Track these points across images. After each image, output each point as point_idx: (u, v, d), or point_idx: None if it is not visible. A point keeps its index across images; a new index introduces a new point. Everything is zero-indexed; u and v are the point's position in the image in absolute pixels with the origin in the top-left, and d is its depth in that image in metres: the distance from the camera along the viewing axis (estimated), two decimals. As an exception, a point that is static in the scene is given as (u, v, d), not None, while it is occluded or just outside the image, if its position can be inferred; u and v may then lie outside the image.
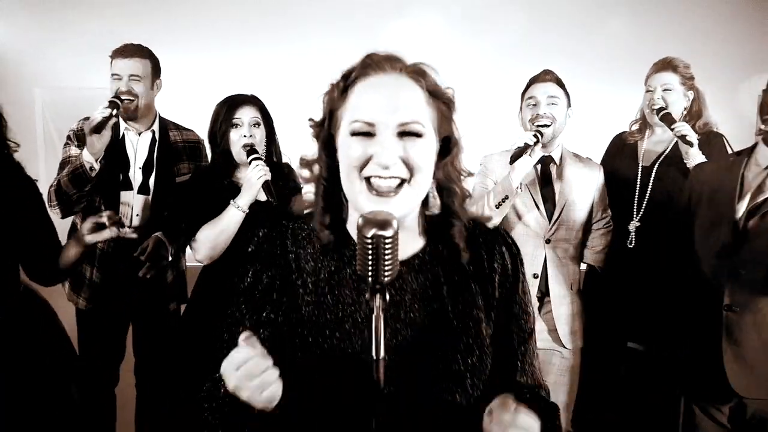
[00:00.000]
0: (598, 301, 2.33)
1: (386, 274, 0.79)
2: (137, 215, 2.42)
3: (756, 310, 1.69)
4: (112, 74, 2.37)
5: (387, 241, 0.79)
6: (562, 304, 2.20)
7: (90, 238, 1.84)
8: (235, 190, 2.06)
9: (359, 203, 0.93)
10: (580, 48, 4.17)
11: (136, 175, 2.42)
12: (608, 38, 4.15)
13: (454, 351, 0.96)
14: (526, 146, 2.08)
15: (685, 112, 2.36)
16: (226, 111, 2.09)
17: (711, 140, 2.31)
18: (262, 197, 2.05)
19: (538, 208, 2.22)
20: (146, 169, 2.43)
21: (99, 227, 1.85)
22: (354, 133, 0.93)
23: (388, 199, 0.92)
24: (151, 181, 2.43)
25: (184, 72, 4.56)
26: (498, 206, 2.09)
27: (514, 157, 2.08)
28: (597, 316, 2.30)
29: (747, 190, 1.75)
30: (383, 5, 4.43)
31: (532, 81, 2.25)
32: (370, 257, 0.79)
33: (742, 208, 1.74)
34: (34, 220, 1.86)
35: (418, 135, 0.93)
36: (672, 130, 2.23)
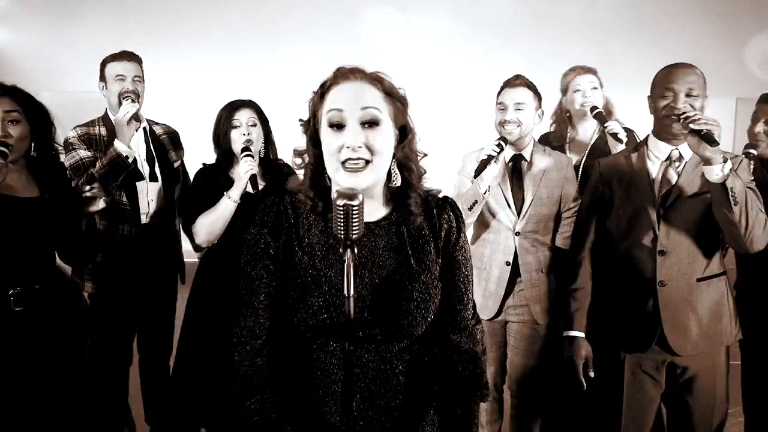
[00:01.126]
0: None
1: (354, 232, 1.06)
2: (152, 200, 2.68)
3: (682, 282, 2.00)
4: (116, 75, 2.61)
5: (354, 208, 1.05)
6: (534, 287, 2.42)
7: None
8: (232, 184, 2.33)
9: (338, 179, 1.22)
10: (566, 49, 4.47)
11: (143, 167, 2.68)
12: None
13: (413, 287, 1.26)
14: (489, 158, 2.28)
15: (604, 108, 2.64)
16: (227, 113, 2.37)
17: (628, 136, 2.56)
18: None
19: (509, 205, 2.43)
20: (149, 160, 2.70)
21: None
22: (330, 124, 1.22)
23: (357, 175, 1.20)
24: (156, 170, 2.71)
25: (183, 76, 4.81)
26: (470, 209, 2.32)
27: (479, 169, 2.28)
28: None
29: (654, 181, 2.05)
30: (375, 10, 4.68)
31: (504, 85, 2.44)
32: (341, 220, 1.06)
33: (655, 198, 2.04)
34: (70, 212, 2.13)
35: (376, 123, 1.21)
36: (605, 127, 2.48)
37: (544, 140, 2.78)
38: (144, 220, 2.65)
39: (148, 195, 2.67)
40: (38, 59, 4.85)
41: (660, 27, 4.69)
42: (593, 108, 2.56)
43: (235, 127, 2.36)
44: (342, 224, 1.05)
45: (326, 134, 1.23)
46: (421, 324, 1.27)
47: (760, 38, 4.69)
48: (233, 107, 2.38)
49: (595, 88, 2.63)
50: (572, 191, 2.46)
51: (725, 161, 1.81)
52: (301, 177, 1.33)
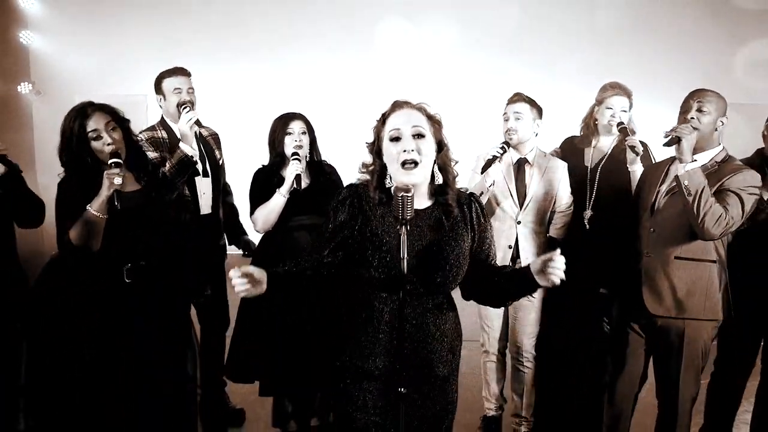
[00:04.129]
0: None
1: (408, 214, 1.59)
2: (204, 193, 3.14)
3: (662, 255, 2.47)
4: (174, 89, 3.07)
5: (408, 198, 1.59)
6: (530, 267, 2.97)
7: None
8: (283, 182, 2.79)
9: (397, 176, 1.74)
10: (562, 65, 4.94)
11: (198, 165, 3.06)
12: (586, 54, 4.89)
13: (449, 256, 1.77)
14: (494, 158, 2.89)
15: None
16: (282, 123, 2.85)
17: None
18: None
19: (512, 197, 2.98)
20: (201, 159, 3.10)
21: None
22: (391, 138, 1.75)
23: (411, 173, 1.71)
24: (207, 167, 3.17)
25: (213, 82, 5.12)
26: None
27: (485, 166, 2.88)
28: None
29: (668, 179, 2.54)
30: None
31: (507, 102, 3.02)
32: (400, 206, 1.59)
33: (662, 190, 2.54)
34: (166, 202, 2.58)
35: (422, 135, 1.74)
36: (625, 141, 2.90)
37: (569, 142, 3.23)
38: (202, 210, 3.12)
39: (201, 189, 3.16)
40: (72, 64, 5.08)
41: (660, 34, 4.98)
42: (619, 123, 2.94)
43: (289, 134, 2.83)
44: (400, 209, 1.58)
45: (388, 146, 1.75)
46: (452, 282, 1.80)
47: (748, 45, 5.06)
48: (288, 118, 2.85)
49: (625, 111, 2.98)
50: (565, 192, 3.01)
51: (692, 162, 2.31)
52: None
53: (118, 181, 2.26)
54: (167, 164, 2.92)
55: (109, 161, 2.29)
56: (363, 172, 1.85)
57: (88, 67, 5.05)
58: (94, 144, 2.34)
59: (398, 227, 1.60)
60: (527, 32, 5.05)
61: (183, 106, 2.99)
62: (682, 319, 2.45)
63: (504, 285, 1.80)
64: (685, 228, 2.40)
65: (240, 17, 5.10)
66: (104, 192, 2.27)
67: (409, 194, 1.58)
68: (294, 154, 2.80)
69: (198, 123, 3.03)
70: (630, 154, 2.85)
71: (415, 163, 1.71)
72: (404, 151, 1.70)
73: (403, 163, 1.70)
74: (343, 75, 5.06)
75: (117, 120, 2.40)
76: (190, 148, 2.92)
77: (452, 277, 1.78)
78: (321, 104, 4.24)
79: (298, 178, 2.74)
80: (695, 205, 2.29)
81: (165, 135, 3.12)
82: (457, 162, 1.84)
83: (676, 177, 2.36)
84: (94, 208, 2.27)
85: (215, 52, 4.97)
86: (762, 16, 5.00)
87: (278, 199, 2.76)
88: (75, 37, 5.10)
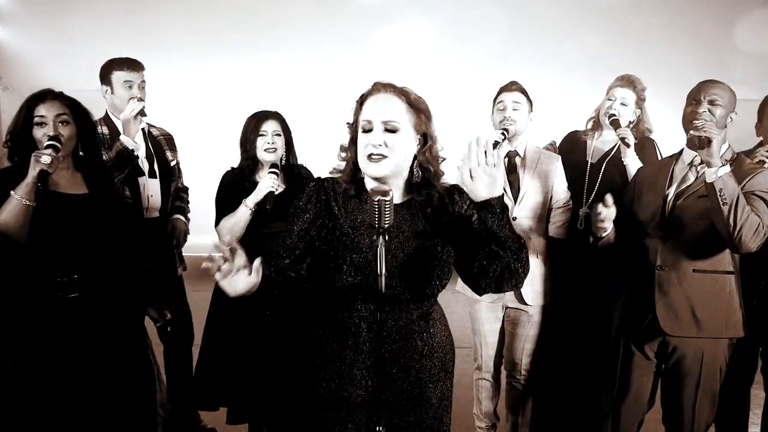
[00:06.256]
0: (561, 267, 2.78)
1: (386, 222, 1.32)
2: (151, 196, 2.89)
3: (678, 269, 2.21)
4: (124, 81, 2.83)
5: (387, 203, 1.32)
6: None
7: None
8: (254, 188, 2.51)
9: (363, 167, 1.54)
10: (552, 58, 4.74)
11: (143, 164, 2.85)
12: (575, 50, 4.69)
13: (433, 259, 1.57)
14: (496, 143, 2.60)
15: (631, 126, 2.84)
16: (255, 123, 2.58)
17: (645, 144, 2.83)
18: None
19: (505, 191, 2.70)
20: (148, 158, 2.90)
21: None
22: (363, 130, 1.54)
23: (377, 165, 1.51)
24: (155, 167, 2.92)
25: (185, 78, 4.95)
26: None
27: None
28: (559, 279, 2.75)
29: (675, 180, 2.28)
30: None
31: (501, 90, 2.76)
32: (376, 212, 1.31)
33: (671, 193, 2.27)
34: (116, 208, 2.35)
35: (394, 131, 1.52)
36: (617, 133, 2.73)
37: (572, 136, 3.04)
38: (145, 214, 2.86)
39: (148, 191, 2.88)
40: (40, 58, 4.95)
41: (651, 30, 4.90)
42: (611, 116, 2.77)
43: (261, 135, 2.57)
44: (376, 215, 1.32)
45: (360, 137, 1.55)
46: (438, 288, 1.58)
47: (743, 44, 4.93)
48: (260, 118, 2.58)
49: (625, 104, 2.80)
50: (561, 185, 2.75)
51: (723, 166, 2.01)
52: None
53: (45, 160, 2.02)
54: (104, 157, 2.64)
55: (45, 143, 2.06)
56: (340, 160, 1.64)
57: (58, 62, 4.89)
58: (36, 131, 2.13)
59: (374, 237, 1.34)
60: (519, 26, 4.85)
61: (131, 100, 2.75)
62: (700, 338, 2.21)
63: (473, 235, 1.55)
64: (705, 237, 2.15)
65: (218, 8, 4.94)
66: (30, 174, 2.03)
67: (387, 198, 1.32)
68: (273, 165, 2.54)
69: (143, 113, 2.77)
70: (622, 147, 2.69)
71: (384, 157, 1.51)
72: (371, 144, 1.51)
73: (369, 156, 1.51)
74: (326, 70, 4.86)
75: (75, 115, 2.19)
76: (131, 141, 2.67)
77: (439, 283, 1.58)
78: (302, 102, 4.04)
79: (270, 195, 2.48)
80: (732, 215, 2.01)
81: (106, 131, 2.85)
82: (444, 159, 1.62)
83: (709, 185, 2.05)
84: (19, 193, 2.03)
85: (190, 47, 4.78)
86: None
87: (244, 212, 2.50)
88: (44, 31, 5.00)
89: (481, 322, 2.78)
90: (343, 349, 1.53)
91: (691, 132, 2.08)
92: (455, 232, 1.60)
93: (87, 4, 4.89)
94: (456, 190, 1.64)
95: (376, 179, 1.54)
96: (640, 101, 2.85)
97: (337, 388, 1.54)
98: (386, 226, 1.32)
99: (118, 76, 2.86)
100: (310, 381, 1.58)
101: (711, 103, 2.17)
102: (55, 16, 4.93)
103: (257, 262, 1.42)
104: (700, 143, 2.04)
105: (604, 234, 2.23)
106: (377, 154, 1.50)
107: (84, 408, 2.13)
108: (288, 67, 4.93)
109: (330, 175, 1.63)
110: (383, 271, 1.33)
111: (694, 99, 2.22)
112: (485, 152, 1.45)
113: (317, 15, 4.96)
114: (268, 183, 2.48)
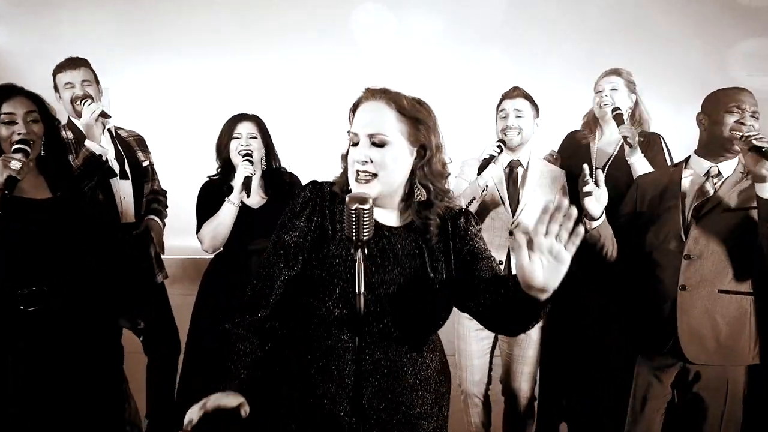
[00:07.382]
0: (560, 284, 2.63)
1: (365, 234, 1.14)
2: (124, 198, 2.74)
3: (705, 289, 2.03)
4: (65, 83, 2.66)
5: (365, 211, 1.14)
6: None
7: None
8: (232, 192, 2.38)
9: (352, 185, 1.36)
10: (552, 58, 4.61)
11: (114, 165, 2.72)
12: (575, 50, 4.56)
13: (431, 295, 1.37)
14: (491, 157, 2.43)
15: (629, 112, 2.67)
16: (229, 126, 2.45)
17: (651, 140, 2.64)
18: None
19: (503, 204, 2.53)
20: (118, 159, 2.77)
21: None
22: (351, 143, 1.37)
23: (366, 186, 1.33)
24: (126, 168, 2.77)
25: (175, 78, 4.80)
26: (468, 205, 2.42)
27: (481, 168, 2.42)
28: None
29: (685, 193, 2.11)
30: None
31: (504, 96, 2.58)
32: (354, 223, 1.14)
33: (687, 206, 2.08)
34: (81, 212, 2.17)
35: (382, 144, 1.33)
36: (619, 130, 2.55)
37: (571, 137, 2.88)
38: (124, 219, 2.71)
39: (120, 193, 2.74)
40: (32, 59, 4.67)
41: (652, 29, 4.79)
42: (614, 109, 2.61)
43: (235, 138, 2.43)
44: (354, 226, 1.14)
45: (350, 151, 1.38)
46: (432, 328, 1.40)
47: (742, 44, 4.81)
48: (235, 120, 2.46)
49: (615, 89, 2.65)
50: (565, 201, 2.56)
51: None
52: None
53: (15, 165, 1.90)
54: (72, 165, 2.48)
55: (14, 147, 1.95)
56: (341, 168, 1.45)
57: (38, 60, 4.68)
58: (2, 129, 2.00)
59: (352, 250, 1.16)
60: (515, 25, 4.70)
61: (82, 101, 2.61)
62: (724, 365, 2.03)
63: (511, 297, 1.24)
64: (731, 254, 2.00)
65: (206, 6, 4.78)
66: None
67: (366, 207, 1.15)
68: (246, 154, 2.39)
69: (105, 115, 2.61)
70: (625, 146, 2.54)
71: (374, 175, 1.34)
72: (356, 161, 1.34)
73: (357, 174, 1.34)
74: (317, 71, 4.73)
75: (43, 113, 2.07)
76: (97, 145, 2.51)
77: (437, 320, 1.39)
78: (300, 106, 3.90)
79: (247, 182, 2.33)
80: None
81: (71, 135, 2.69)
82: (449, 174, 1.43)
83: (763, 200, 1.89)
84: None
85: (180, 45, 4.65)
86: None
87: (228, 209, 2.35)
88: (34, 33, 4.80)
89: (468, 340, 2.57)
90: (326, 382, 1.36)
91: (753, 143, 1.86)
92: (457, 269, 1.41)
93: (71, 4, 4.73)
94: (463, 214, 1.45)
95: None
96: (630, 84, 2.69)
97: (321, 424, 1.36)
98: (365, 238, 1.15)
99: (60, 79, 2.71)
100: (292, 414, 1.40)
101: (753, 115, 2.01)
102: (37, 16, 4.79)
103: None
104: (763, 153, 1.84)
105: (594, 222, 2.04)
106: (364, 172, 1.32)
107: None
108: (288, 68, 4.78)
109: (329, 181, 1.45)
110: (362, 290, 1.16)
111: (736, 106, 2.02)
112: (562, 228, 1.09)
113: (316, 15, 4.82)
114: (241, 171, 2.35)
